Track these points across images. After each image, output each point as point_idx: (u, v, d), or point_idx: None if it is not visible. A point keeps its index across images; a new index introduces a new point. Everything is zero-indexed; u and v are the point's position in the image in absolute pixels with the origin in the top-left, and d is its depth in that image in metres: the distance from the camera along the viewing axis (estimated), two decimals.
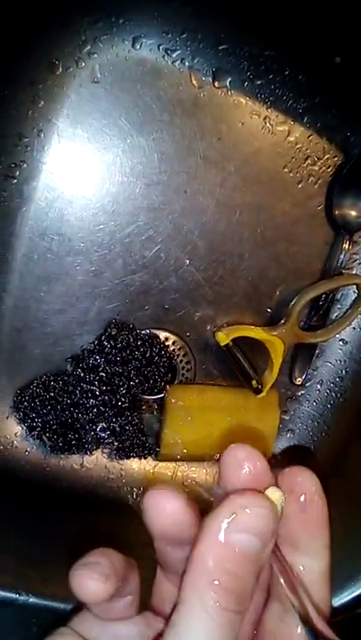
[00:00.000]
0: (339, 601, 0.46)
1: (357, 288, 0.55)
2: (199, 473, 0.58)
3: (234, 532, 0.22)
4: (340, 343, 0.59)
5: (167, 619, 0.22)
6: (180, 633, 0.21)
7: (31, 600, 0.41)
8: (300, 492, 0.25)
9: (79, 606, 0.28)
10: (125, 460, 0.54)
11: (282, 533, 0.25)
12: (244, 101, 0.51)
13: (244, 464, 0.24)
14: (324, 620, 0.24)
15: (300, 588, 0.24)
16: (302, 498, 0.25)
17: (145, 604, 0.29)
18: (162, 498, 0.24)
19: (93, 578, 0.24)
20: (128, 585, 0.27)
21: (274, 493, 0.24)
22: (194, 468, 0.58)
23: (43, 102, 0.47)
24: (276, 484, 0.25)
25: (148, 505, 0.24)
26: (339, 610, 0.46)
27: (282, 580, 0.24)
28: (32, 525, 0.48)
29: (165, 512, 0.24)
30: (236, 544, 0.21)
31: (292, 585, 0.24)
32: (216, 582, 0.21)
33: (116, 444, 0.53)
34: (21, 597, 0.41)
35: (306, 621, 0.24)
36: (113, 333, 0.51)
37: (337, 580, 0.46)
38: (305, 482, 0.25)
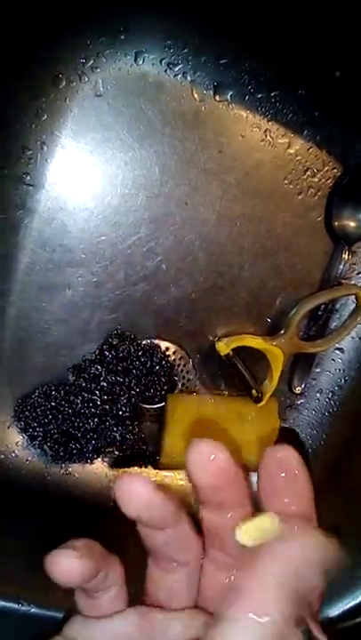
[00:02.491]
0: (336, 611, 0.46)
1: (356, 298, 0.56)
2: None
3: (304, 563, 0.23)
4: (339, 353, 0.59)
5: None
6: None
7: (32, 610, 0.41)
8: (281, 468, 0.26)
9: (69, 614, 0.29)
10: (126, 469, 0.55)
11: (273, 508, 0.26)
12: (244, 115, 0.51)
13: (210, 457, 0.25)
14: (320, 627, 0.24)
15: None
16: (283, 474, 0.26)
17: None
18: (131, 482, 0.26)
19: (67, 555, 0.25)
20: (110, 575, 0.28)
21: (274, 519, 0.24)
22: None
23: (46, 116, 0.47)
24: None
25: (120, 492, 0.25)
26: (337, 619, 0.46)
27: None
28: (33, 534, 0.48)
29: (136, 497, 0.25)
30: (302, 575, 0.23)
31: None
32: (278, 605, 0.22)
33: (116, 453, 0.53)
34: (22, 607, 0.41)
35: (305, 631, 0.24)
36: (114, 343, 0.52)
37: (334, 590, 0.46)
38: (285, 457, 0.26)
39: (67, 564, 0.25)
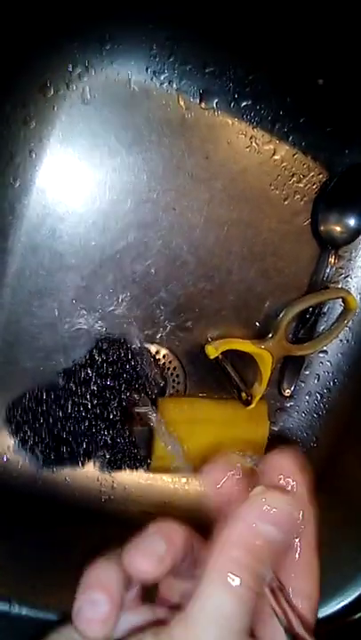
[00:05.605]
0: (327, 611, 0.46)
1: (343, 301, 0.56)
2: (191, 484, 0.59)
3: (264, 523, 0.24)
4: (328, 355, 0.60)
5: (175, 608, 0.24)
6: (205, 603, 0.23)
7: (24, 612, 0.41)
8: (283, 473, 0.27)
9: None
10: (117, 472, 0.55)
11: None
12: (230, 122, 0.52)
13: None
14: (309, 630, 0.25)
15: (284, 598, 0.25)
16: (288, 480, 0.26)
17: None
18: (136, 562, 0.25)
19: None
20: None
21: None
22: (184, 480, 0.58)
23: (34, 123, 0.48)
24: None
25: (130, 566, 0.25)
26: (328, 619, 0.46)
27: (266, 591, 0.25)
28: (25, 537, 0.48)
29: (145, 573, 0.25)
30: (266, 534, 0.24)
31: (276, 595, 0.25)
32: (244, 564, 0.23)
33: (107, 456, 0.53)
34: (14, 609, 0.41)
35: (290, 632, 0.24)
36: (104, 347, 0.52)
37: (325, 590, 0.46)
38: (288, 463, 0.27)
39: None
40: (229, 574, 0.23)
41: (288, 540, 0.25)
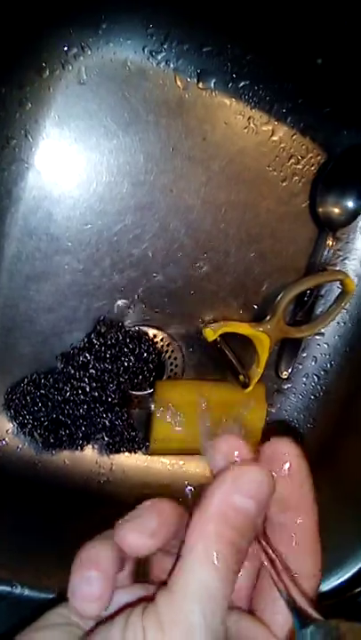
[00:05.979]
0: (327, 586, 0.47)
1: (341, 284, 0.56)
2: (188, 466, 0.59)
3: (240, 496, 0.24)
4: (325, 338, 0.60)
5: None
6: (187, 577, 0.23)
7: (26, 592, 0.42)
8: (283, 460, 0.27)
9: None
10: (116, 455, 0.55)
11: (275, 497, 0.27)
12: (228, 102, 0.51)
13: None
14: (312, 603, 0.25)
15: (286, 574, 0.26)
16: (286, 465, 0.27)
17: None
18: (125, 539, 0.26)
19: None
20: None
21: None
22: (182, 462, 0.59)
23: (30, 104, 0.48)
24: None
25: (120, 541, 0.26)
26: (327, 594, 0.47)
27: (269, 567, 0.26)
28: (25, 520, 0.49)
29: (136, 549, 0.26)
30: (240, 506, 0.24)
31: (278, 572, 0.26)
32: (221, 536, 0.24)
33: (106, 439, 0.54)
34: (16, 590, 0.42)
35: (293, 606, 0.25)
36: (102, 331, 0.52)
37: (325, 565, 0.47)
38: (287, 450, 0.27)
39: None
40: (208, 548, 0.23)
41: (263, 510, 0.25)
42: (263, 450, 0.27)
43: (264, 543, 0.26)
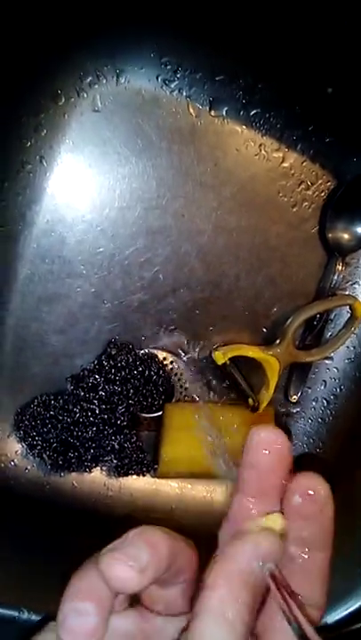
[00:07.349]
0: (334, 617, 0.46)
1: (350, 308, 0.56)
2: (197, 490, 0.59)
3: (255, 561, 0.23)
4: (334, 362, 0.60)
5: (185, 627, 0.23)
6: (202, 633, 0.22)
7: (33, 617, 0.41)
8: (312, 499, 0.25)
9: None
10: (124, 478, 0.55)
11: (296, 536, 0.26)
12: (239, 129, 0.52)
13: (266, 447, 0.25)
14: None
15: (297, 607, 0.25)
16: (315, 507, 0.25)
17: None
18: (115, 571, 0.24)
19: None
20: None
21: (276, 520, 0.25)
22: (190, 486, 0.58)
23: (45, 131, 0.49)
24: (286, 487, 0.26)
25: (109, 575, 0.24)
26: (334, 626, 0.46)
27: (280, 599, 0.25)
28: (33, 543, 0.48)
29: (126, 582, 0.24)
30: (255, 571, 0.23)
31: (289, 604, 0.25)
32: (235, 599, 0.22)
33: (115, 461, 0.54)
34: (23, 615, 0.41)
35: (302, 637, 0.25)
36: (112, 353, 0.52)
37: (332, 597, 0.46)
38: (316, 488, 0.26)
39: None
40: (223, 609, 0.22)
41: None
42: (291, 487, 0.26)
43: (278, 576, 0.26)
